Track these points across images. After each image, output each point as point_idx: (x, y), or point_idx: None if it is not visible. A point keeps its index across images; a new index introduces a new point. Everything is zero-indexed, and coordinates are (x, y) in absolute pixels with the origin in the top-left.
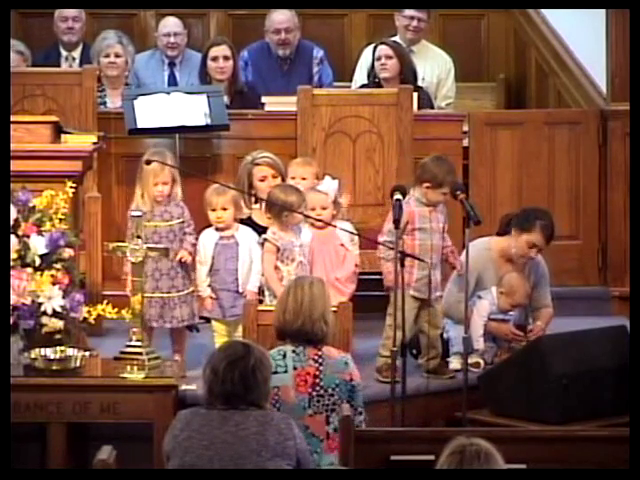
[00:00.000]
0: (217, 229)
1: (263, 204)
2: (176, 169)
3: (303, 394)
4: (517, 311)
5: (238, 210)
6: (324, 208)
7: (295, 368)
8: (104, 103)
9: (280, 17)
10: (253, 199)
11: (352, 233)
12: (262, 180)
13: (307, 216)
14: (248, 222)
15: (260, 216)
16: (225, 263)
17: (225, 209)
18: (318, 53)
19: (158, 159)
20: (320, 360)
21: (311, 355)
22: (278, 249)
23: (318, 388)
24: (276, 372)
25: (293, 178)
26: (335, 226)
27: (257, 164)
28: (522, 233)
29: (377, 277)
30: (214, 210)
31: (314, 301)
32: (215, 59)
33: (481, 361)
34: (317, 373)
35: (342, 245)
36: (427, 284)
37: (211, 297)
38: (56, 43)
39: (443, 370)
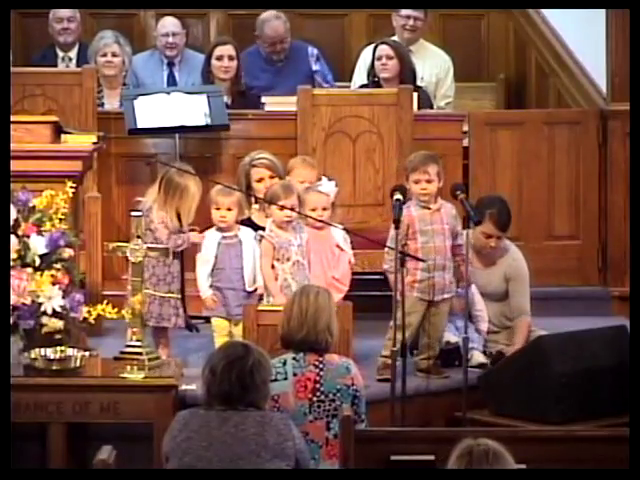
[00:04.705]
0: (219, 229)
1: (262, 205)
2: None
3: (303, 400)
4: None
5: (240, 212)
6: (325, 209)
7: (295, 374)
8: (102, 104)
9: (273, 31)
10: (252, 200)
11: (353, 233)
12: (259, 181)
13: (307, 216)
14: (247, 223)
15: (259, 217)
16: (230, 262)
17: (230, 209)
18: (313, 51)
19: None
20: (320, 366)
21: (311, 361)
22: (274, 247)
23: (319, 394)
24: (276, 379)
25: (302, 182)
26: (336, 226)
27: (254, 165)
28: (476, 225)
29: (377, 277)
30: (218, 209)
31: (319, 311)
32: (220, 58)
33: (485, 360)
34: (317, 379)
35: (337, 246)
36: (430, 286)
37: (213, 297)
38: (53, 44)
39: (437, 370)
